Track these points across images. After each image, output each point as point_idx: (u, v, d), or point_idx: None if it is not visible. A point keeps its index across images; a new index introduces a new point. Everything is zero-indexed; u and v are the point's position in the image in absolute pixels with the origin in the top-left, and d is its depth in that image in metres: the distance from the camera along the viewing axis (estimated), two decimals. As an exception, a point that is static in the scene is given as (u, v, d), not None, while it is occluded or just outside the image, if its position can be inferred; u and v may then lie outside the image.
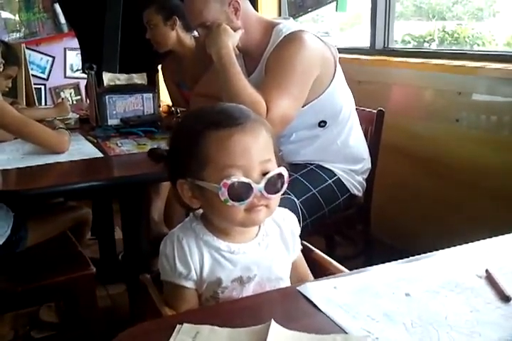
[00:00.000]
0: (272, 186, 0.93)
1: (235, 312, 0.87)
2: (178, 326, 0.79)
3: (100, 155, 1.82)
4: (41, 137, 1.79)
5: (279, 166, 0.98)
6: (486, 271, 0.93)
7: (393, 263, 0.99)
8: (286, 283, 1.05)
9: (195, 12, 1.81)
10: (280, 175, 0.94)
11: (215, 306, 0.97)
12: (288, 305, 0.88)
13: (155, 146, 1.89)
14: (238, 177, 0.91)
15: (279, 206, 1.10)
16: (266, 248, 1.02)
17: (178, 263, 0.97)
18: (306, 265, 1.13)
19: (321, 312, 0.82)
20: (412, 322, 0.79)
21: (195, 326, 0.80)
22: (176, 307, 0.98)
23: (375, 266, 0.98)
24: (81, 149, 1.89)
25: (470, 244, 1.06)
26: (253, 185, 0.91)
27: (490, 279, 0.90)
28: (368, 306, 0.83)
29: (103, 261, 2.55)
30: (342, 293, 0.87)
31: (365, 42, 2.95)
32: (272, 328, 0.76)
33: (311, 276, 1.11)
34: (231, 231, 1.00)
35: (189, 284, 0.99)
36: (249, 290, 1.01)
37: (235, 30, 1.78)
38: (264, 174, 0.93)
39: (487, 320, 0.79)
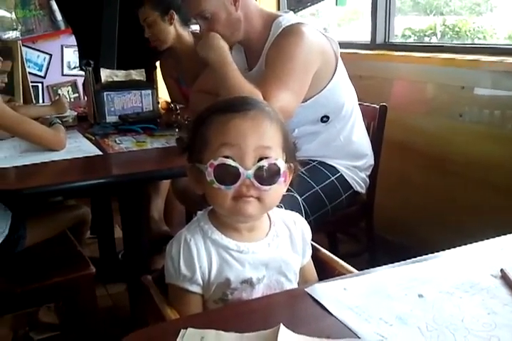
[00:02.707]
0: (264, 176, 0.89)
1: (242, 316, 0.83)
2: (182, 331, 0.76)
3: (99, 152, 1.79)
4: (37, 135, 1.76)
5: (295, 169, 0.96)
6: (501, 270, 0.89)
7: (403, 262, 0.96)
8: (294, 286, 1.02)
9: (195, 1, 1.79)
10: (275, 167, 0.90)
11: (221, 310, 0.94)
12: (296, 307, 0.85)
13: (155, 143, 1.88)
14: (227, 160, 0.88)
15: (282, 203, 1.07)
16: (276, 249, 0.99)
17: (182, 266, 0.94)
18: (314, 271, 1.10)
19: (332, 315, 0.79)
20: (427, 325, 0.75)
21: (199, 330, 0.76)
22: (178, 312, 0.95)
23: (384, 266, 0.95)
24: (79, 147, 1.86)
25: (482, 242, 1.02)
26: (241, 170, 0.88)
27: (506, 279, 0.87)
28: (380, 308, 0.80)
29: (103, 260, 2.53)
30: (352, 295, 0.84)
31: (363, 38, 2.92)
32: (281, 333, 0.73)
33: None
34: (239, 228, 0.98)
35: (194, 288, 0.96)
36: (258, 292, 0.98)
37: (234, 22, 1.77)
38: (260, 160, 0.90)
39: (505, 322, 0.76)
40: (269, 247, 0.98)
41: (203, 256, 0.95)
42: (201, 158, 0.93)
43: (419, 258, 0.97)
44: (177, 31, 2.42)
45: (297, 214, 1.09)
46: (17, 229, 1.67)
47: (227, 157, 0.89)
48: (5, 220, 1.64)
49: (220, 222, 0.98)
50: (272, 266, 0.99)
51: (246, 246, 0.96)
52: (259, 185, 0.89)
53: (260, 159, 0.90)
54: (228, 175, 0.89)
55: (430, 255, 0.99)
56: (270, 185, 0.90)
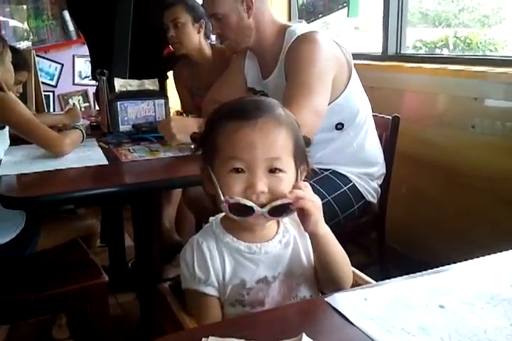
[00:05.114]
0: (278, 211, 0.91)
1: (262, 325, 0.83)
2: (203, 339, 0.76)
3: (113, 161, 1.79)
4: (39, 134, 1.74)
5: (305, 173, 0.97)
6: (522, 281, 0.89)
7: (423, 273, 0.95)
8: (310, 279, 1.02)
9: (210, 1, 1.85)
10: (289, 204, 0.91)
11: (241, 318, 0.94)
12: (316, 317, 0.84)
13: (168, 152, 1.88)
14: (242, 199, 0.89)
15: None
16: (288, 245, 1.01)
17: (197, 269, 0.96)
18: None
19: (353, 325, 0.79)
20: (449, 336, 0.75)
21: (220, 339, 0.76)
22: (198, 316, 0.96)
23: (404, 277, 0.95)
24: (92, 155, 1.86)
25: (501, 253, 1.02)
26: (256, 208, 0.90)
27: (527, 290, 0.87)
28: (401, 319, 0.80)
29: (113, 269, 2.52)
30: (373, 305, 0.84)
31: (373, 49, 2.93)
32: (304, 342, 0.73)
33: None
34: (251, 227, 0.99)
35: (210, 291, 0.96)
36: (275, 290, 0.99)
37: (245, 29, 1.81)
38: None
39: (529, 334, 0.75)
40: (280, 244, 1.00)
41: (216, 258, 0.97)
42: (212, 163, 0.95)
43: (437, 269, 0.97)
44: (200, 41, 2.47)
45: None
46: (31, 225, 1.69)
47: (237, 169, 0.91)
48: (21, 217, 1.67)
49: (233, 224, 0.99)
50: (286, 263, 0.99)
51: (258, 247, 0.98)
52: (272, 217, 0.92)
53: (271, 168, 0.91)
54: (243, 211, 0.91)
55: (448, 266, 0.98)
56: (282, 216, 0.94)
